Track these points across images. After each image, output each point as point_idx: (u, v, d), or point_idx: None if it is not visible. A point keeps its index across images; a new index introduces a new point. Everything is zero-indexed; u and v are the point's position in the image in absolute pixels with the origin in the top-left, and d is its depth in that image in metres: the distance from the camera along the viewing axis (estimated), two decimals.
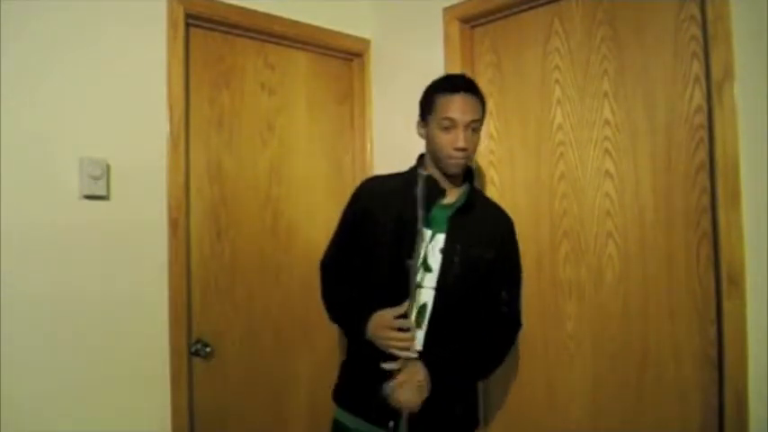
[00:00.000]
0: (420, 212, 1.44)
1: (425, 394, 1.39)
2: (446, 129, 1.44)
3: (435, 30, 2.09)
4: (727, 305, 1.42)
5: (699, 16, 1.53)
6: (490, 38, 2.02)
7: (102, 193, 1.68)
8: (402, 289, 1.45)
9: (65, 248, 1.63)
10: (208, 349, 1.92)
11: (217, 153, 2.01)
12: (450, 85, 1.48)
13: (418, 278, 1.47)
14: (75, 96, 1.66)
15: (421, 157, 1.60)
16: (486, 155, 2.03)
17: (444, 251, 1.47)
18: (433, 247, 1.48)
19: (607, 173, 1.71)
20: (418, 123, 1.56)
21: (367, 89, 2.36)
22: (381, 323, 1.43)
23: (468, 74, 2.02)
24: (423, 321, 1.46)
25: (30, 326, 1.57)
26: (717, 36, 1.44)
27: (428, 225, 1.49)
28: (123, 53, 1.75)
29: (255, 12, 2.04)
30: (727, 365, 1.42)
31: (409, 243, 1.45)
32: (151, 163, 1.79)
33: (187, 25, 1.90)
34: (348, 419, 1.52)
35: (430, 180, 1.53)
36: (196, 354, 1.90)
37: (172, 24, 1.84)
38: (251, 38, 2.09)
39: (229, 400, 1.99)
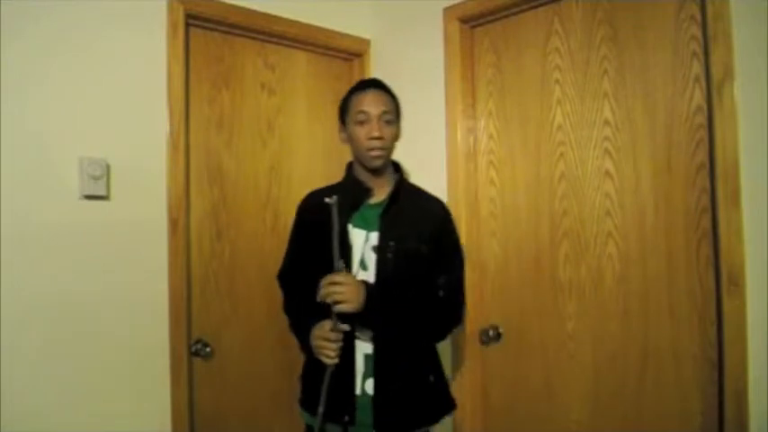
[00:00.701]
0: (335, 216, 1.47)
1: (359, 301, 1.42)
2: (361, 122, 1.54)
3: (435, 30, 2.09)
4: (727, 305, 1.42)
5: (699, 16, 1.53)
6: (490, 38, 2.03)
7: (102, 193, 1.68)
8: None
9: (65, 248, 1.63)
10: (208, 349, 1.92)
11: (217, 153, 2.01)
12: (361, 85, 1.61)
13: (358, 278, 1.48)
14: (75, 96, 1.66)
15: (350, 165, 1.66)
16: (486, 155, 2.03)
17: (378, 248, 1.51)
18: (367, 246, 1.53)
19: (607, 173, 1.71)
20: (339, 129, 1.64)
21: None
22: (317, 334, 1.49)
23: (468, 74, 2.05)
24: None
25: (29, 326, 1.57)
26: (717, 36, 1.44)
27: (361, 226, 1.54)
28: (123, 53, 1.75)
29: (255, 12, 2.04)
30: (727, 365, 1.42)
31: (339, 249, 1.47)
32: (151, 163, 1.79)
33: (187, 25, 1.90)
34: (313, 421, 1.54)
35: (354, 182, 1.60)
36: (196, 354, 1.90)
37: (172, 24, 1.84)
38: (251, 38, 2.09)
39: (229, 400, 1.99)
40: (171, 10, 1.84)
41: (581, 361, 1.76)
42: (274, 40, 2.14)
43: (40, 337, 1.58)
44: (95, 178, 1.66)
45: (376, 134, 1.52)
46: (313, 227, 1.57)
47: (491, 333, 1.97)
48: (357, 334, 1.50)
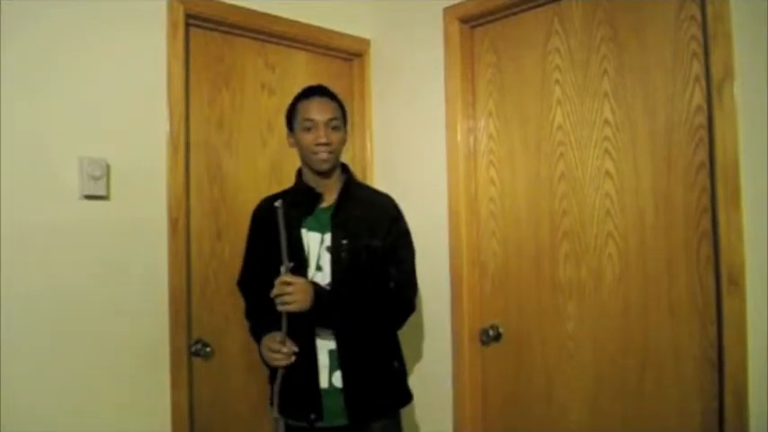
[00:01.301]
0: (281, 219, 1.50)
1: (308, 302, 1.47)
2: (308, 129, 1.58)
3: (435, 30, 2.09)
4: (727, 305, 1.42)
5: (699, 16, 1.53)
6: (490, 38, 2.02)
7: (102, 193, 1.68)
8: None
9: (65, 248, 1.62)
10: (208, 349, 1.92)
11: (217, 153, 2.01)
12: (307, 92, 1.64)
13: (315, 279, 1.55)
14: (76, 96, 1.66)
15: (299, 171, 1.70)
16: (486, 155, 2.03)
17: (331, 249, 1.56)
18: (322, 247, 1.58)
19: (607, 173, 1.71)
20: (288, 135, 1.68)
21: (367, 89, 2.36)
22: (267, 344, 1.54)
23: (468, 74, 2.05)
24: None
25: (29, 326, 1.57)
26: (717, 36, 1.44)
27: (316, 229, 1.59)
28: (123, 53, 1.75)
29: (255, 12, 2.03)
30: (727, 365, 1.42)
31: (292, 252, 1.51)
32: (151, 163, 1.79)
33: (187, 25, 1.90)
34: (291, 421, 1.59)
35: (304, 187, 1.64)
36: (196, 354, 1.90)
37: (172, 24, 1.84)
38: (251, 38, 2.09)
39: (229, 399, 1.99)
40: (171, 10, 1.84)
41: (581, 361, 1.76)
42: (274, 40, 2.14)
43: (40, 337, 1.58)
44: (95, 178, 1.66)
45: (323, 140, 1.56)
46: (267, 232, 1.59)
47: (491, 333, 1.97)
48: (318, 332, 1.55)
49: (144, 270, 1.77)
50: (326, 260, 1.56)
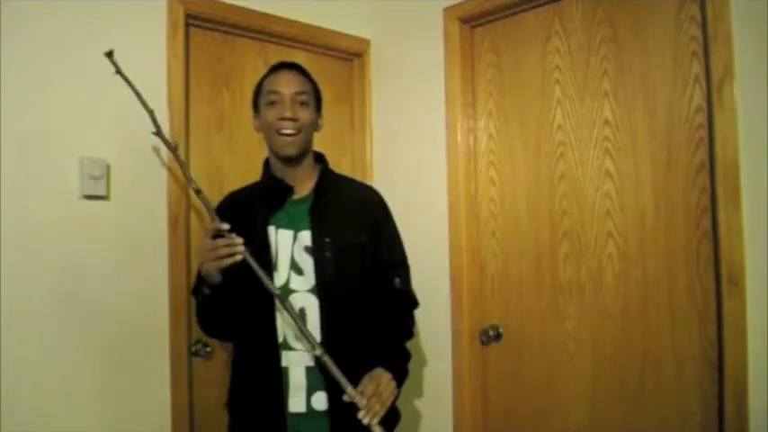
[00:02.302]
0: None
1: None
2: (272, 103, 1.42)
3: (435, 30, 2.09)
4: (727, 305, 1.42)
5: (699, 16, 1.53)
6: (490, 38, 2.03)
7: (102, 193, 1.68)
8: (266, 295, 1.34)
9: (65, 248, 1.63)
10: (208, 349, 1.91)
11: (217, 153, 2.01)
12: (275, 66, 1.50)
13: (291, 284, 1.39)
14: (76, 96, 1.66)
15: (266, 161, 1.54)
16: (486, 155, 2.03)
17: (313, 249, 1.39)
18: (297, 247, 1.40)
19: (607, 173, 1.71)
20: (253, 118, 1.52)
21: (367, 89, 2.36)
22: (201, 247, 1.34)
23: (468, 74, 2.04)
24: (304, 328, 1.34)
25: (29, 326, 1.57)
26: (717, 36, 1.44)
27: (286, 225, 1.41)
28: (123, 53, 1.73)
29: (255, 12, 2.04)
30: (727, 365, 1.42)
31: (258, 247, 1.35)
32: (151, 163, 1.79)
33: (187, 25, 1.90)
34: None
35: (271, 179, 1.48)
36: (196, 354, 1.90)
37: (172, 24, 1.84)
38: (251, 38, 2.09)
39: None
40: (171, 10, 1.84)
41: (581, 361, 1.76)
42: (274, 40, 2.14)
43: (39, 338, 1.58)
44: (95, 178, 1.66)
45: (287, 114, 1.38)
46: (234, 230, 1.33)
47: (491, 333, 1.97)
48: (290, 343, 1.38)
49: (144, 270, 1.77)
50: (307, 262, 1.39)
